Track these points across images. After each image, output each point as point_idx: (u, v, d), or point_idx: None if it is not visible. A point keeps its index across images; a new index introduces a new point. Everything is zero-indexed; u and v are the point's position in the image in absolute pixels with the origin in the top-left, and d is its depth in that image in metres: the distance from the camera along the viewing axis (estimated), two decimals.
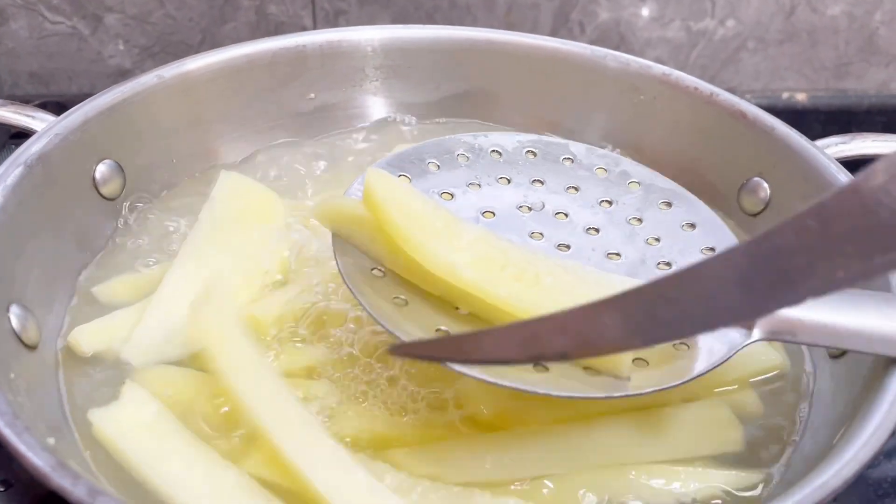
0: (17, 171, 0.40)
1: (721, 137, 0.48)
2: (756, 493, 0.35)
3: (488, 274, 0.33)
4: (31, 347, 0.37)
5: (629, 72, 0.51)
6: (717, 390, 0.39)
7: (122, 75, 0.79)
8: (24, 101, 0.60)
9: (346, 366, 0.38)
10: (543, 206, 0.38)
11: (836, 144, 0.44)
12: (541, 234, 0.37)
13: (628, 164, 0.41)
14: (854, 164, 0.45)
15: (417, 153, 0.40)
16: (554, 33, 0.75)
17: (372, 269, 0.35)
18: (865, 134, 0.44)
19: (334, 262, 0.35)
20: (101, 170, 0.45)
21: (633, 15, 0.77)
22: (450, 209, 0.36)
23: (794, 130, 0.46)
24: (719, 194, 0.49)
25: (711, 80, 0.51)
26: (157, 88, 0.47)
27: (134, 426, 0.35)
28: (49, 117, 0.43)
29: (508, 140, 0.41)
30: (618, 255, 0.37)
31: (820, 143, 0.45)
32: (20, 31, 0.77)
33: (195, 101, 0.49)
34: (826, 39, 0.78)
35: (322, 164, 0.52)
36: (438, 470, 0.34)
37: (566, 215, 0.38)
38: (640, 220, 0.39)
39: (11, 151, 0.57)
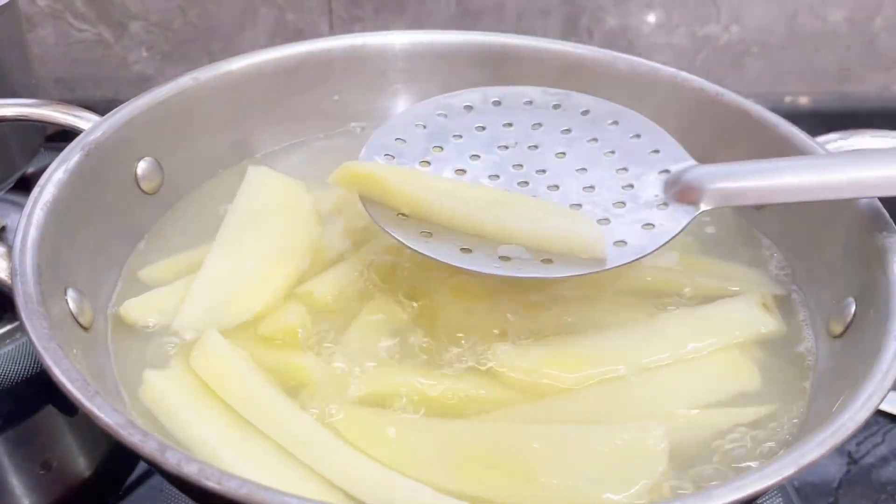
0: (77, 157, 0.42)
1: (728, 136, 0.50)
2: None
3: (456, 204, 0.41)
4: (86, 329, 0.39)
5: (638, 73, 0.54)
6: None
7: (145, 81, 0.81)
8: None
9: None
10: (516, 144, 0.46)
11: (836, 140, 0.47)
12: (521, 164, 0.45)
13: (578, 97, 0.48)
14: None
15: (411, 117, 0.47)
16: (563, 39, 0.77)
17: (397, 214, 0.41)
18: (864, 130, 0.46)
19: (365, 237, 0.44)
20: (142, 167, 0.47)
21: (640, 21, 0.79)
22: (443, 156, 0.45)
23: (796, 128, 0.48)
24: None
25: (717, 85, 0.53)
26: (192, 90, 0.50)
27: (182, 388, 0.38)
28: (94, 117, 0.45)
29: (476, 95, 0.48)
30: (584, 169, 0.44)
31: (820, 139, 0.47)
32: (47, 38, 0.79)
33: (228, 101, 0.52)
34: (828, 45, 0.80)
35: (347, 155, 0.55)
36: None
37: (536, 147, 0.46)
38: (596, 139, 0.46)
39: (46, 154, 0.60)
